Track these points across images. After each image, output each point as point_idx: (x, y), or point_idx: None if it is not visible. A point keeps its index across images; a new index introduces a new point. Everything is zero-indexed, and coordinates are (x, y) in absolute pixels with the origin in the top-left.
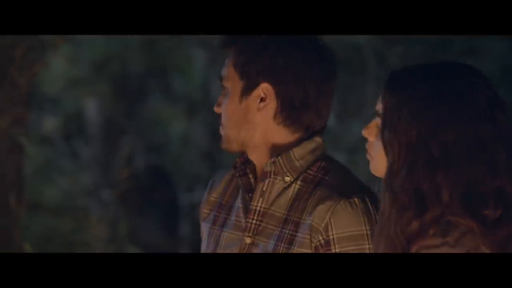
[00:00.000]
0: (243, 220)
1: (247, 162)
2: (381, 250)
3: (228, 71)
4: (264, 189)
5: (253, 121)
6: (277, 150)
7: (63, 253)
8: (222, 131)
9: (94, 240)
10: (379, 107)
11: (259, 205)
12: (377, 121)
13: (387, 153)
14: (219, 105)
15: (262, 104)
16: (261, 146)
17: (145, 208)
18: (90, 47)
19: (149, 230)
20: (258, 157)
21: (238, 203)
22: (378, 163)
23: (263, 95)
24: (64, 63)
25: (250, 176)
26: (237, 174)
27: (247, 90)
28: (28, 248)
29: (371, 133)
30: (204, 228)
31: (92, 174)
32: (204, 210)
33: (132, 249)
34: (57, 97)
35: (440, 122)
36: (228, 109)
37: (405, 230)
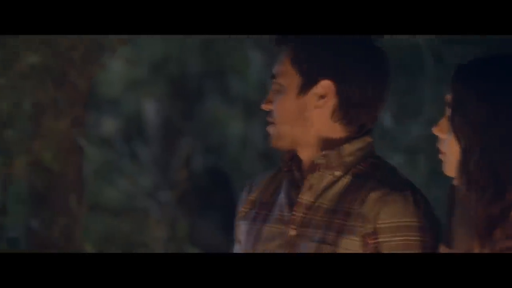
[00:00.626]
0: (286, 214)
1: (293, 159)
2: (461, 233)
3: (284, 67)
4: (312, 182)
5: (310, 118)
6: (327, 147)
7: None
8: (271, 129)
9: (153, 241)
10: (449, 97)
11: (306, 198)
12: (447, 114)
13: (459, 140)
14: (269, 102)
15: (321, 101)
16: (313, 143)
17: (203, 209)
18: (148, 48)
19: (208, 230)
20: (308, 154)
21: (281, 198)
22: (452, 159)
23: (323, 92)
24: (122, 64)
25: (296, 172)
26: (285, 169)
27: (306, 86)
28: (88, 248)
29: (442, 130)
30: (243, 226)
31: (151, 175)
32: (242, 209)
33: (191, 250)
34: (115, 98)
35: (509, 103)
36: (283, 105)
37: (486, 212)
